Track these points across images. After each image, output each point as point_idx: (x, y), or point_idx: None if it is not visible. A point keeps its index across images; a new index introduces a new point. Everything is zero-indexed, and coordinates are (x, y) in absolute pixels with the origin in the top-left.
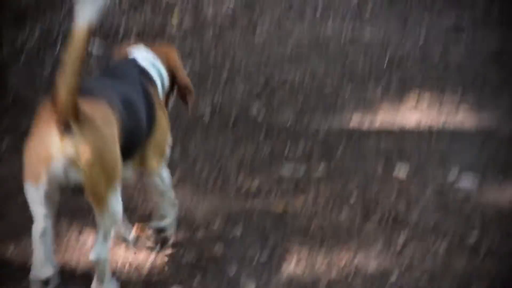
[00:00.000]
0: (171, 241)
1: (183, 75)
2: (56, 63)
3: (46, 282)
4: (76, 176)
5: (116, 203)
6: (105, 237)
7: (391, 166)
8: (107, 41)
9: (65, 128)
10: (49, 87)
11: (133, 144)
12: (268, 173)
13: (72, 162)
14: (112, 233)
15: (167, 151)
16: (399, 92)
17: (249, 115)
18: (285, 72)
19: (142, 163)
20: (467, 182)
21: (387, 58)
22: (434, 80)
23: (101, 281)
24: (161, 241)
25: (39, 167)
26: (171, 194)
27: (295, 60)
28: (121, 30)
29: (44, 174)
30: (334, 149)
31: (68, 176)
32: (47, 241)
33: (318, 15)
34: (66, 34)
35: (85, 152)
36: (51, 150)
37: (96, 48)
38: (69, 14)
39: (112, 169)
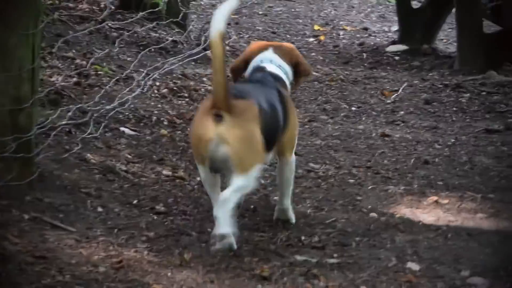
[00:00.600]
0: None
1: (305, 64)
2: (87, 143)
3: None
4: (224, 153)
5: (252, 177)
6: (235, 192)
7: (403, 260)
8: (139, 125)
9: (218, 117)
10: (77, 163)
11: (273, 137)
12: (282, 258)
13: (223, 140)
14: (240, 196)
15: (295, 143)
16: (421, 189)
17: (269, 202)
18: (312, 162)
19: (279, 153)
20: (478, 283)
21: (414, 156)
22: (458, 180)
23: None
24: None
25: (200, 148)
26: (292, 182)
27: (324, 151)
28: (154, 115)
29: (204, 153)
30: (350, 240)
31: (217, 153)
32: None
33: (352, 112)
34: (100, 115)
35: (232, 133)
36: (207, 133)
37: (127, 131)
38: (104, 97)
39: (255, 149)
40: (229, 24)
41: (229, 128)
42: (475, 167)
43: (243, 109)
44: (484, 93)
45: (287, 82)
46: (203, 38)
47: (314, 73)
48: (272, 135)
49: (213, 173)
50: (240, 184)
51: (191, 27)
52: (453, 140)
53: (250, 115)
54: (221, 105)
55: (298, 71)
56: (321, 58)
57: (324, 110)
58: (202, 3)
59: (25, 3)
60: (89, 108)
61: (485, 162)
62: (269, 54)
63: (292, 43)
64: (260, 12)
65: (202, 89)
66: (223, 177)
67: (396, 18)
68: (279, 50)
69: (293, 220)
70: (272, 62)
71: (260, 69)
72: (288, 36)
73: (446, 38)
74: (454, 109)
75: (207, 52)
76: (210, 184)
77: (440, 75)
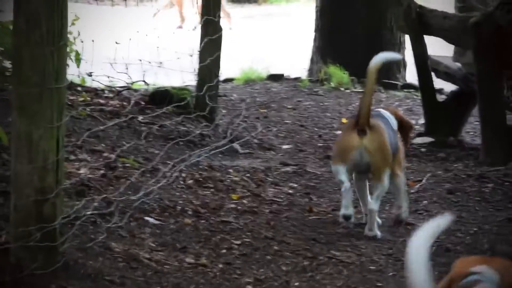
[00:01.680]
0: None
1: (407, 119)
2: (112, 232)
3: (349, 217)
4: (367, 159)
5: (386, 179)
6: (377, 198)
7: None
8: (164, 215)
9: (362, 132)
10: (102, 252)
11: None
12: None
13: (366, 150)
14: (380, 197)
15: (404, 165)
16: (441, 276)
17: None
18: (333, 248)
19: (392, 170)
20: None
21: (436, 244)
22: None
23: (370, 228)
24: (398, 223)
25: (346, 154)
26: (405, 191)
27: (346, 238)
28: (179, 205)
29: (348, 158)
30: None
31: (362, 158)
32: (348, 194)
33: None
34: (125, 205)
35: (372, 145)
36: (354, 144)
37: (152, 220)
38: (130, 188)
39: (387, 156)
40: (257, 118)
41: (371, 140)
42: (496, 255)
43: (378, 126)
44: (507, 183)
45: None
46: (229, 131)
47: None
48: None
49: (357, 174)
50: (379, 191)
51: (220, 121)
52: (475, 229)
53: (382, 131)
54: (365, 123)
55: (402, 125)
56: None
57: None
58: (232, 98)
59: (50, 97)
60: (114, 198)
61: (506, 250)
62: (386, 111)
63: (320, 136)
64: (289, 106)
65: (228, 180)
66: None
67: (422, 112)
68: (389, 109)
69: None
70: (387, 115)
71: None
72: (316, 129)
73: (473, 130)
74: (477, 199)
75: (233, 144)
76: (357, 186)
77: (464, 166)
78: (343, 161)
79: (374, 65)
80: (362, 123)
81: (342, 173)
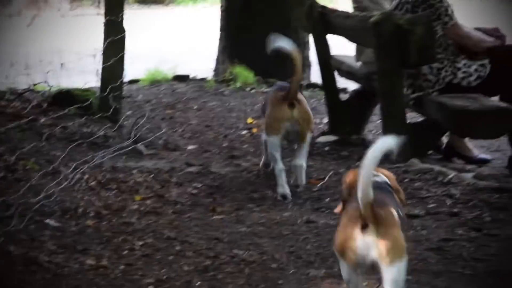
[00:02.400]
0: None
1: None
2: (11, 236)
3: (285, 196)
4: (297, 127)
5: (309, 139)
6: (304, 156)
7: None
8: (65, 217)
9: (292, 105)
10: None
11: None
12: None
13: (296, 120)
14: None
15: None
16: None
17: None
18: (236, 248)
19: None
20: None
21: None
22: None
23: (301, 182)
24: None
25: (279, 124)
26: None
27: (248, 237)
28: (81, 207)
29: (282, 128)
30: None
31: (293, 128)
32: (283, 174)
33: (279, 200)
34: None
35: (301, 115)
36: (286, 115)
37: (52, 223)
38: (30, 190)
39: (310, 122)
40: (163, 119)
41: (300, 112)
42: None
43: (302, 99)
44: (406, 180)
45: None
46: (133, 132)
47: (244, 164)
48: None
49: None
50: (305, 150)
51: (125, 122)
52: None
53: (306, 103)
54: (294, 97)
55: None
56: (252, 150)
57: (251, 199)
58: (137, 99)
59: None
60: (13, 201)
61: None
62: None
63: (225, 136)
64: (195, 107)
65: (131, 181)
66: None
67: (326, 110)
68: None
69: None
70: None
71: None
72: (221, 129)
73: (376, 128)
74: None
75: (137, 145)
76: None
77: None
78: (277, 132)
79: (295, 50)
80: (292, 98)
81: (276, 145)
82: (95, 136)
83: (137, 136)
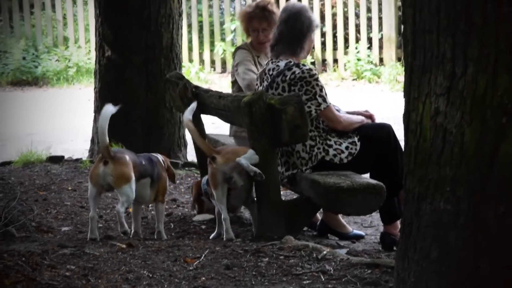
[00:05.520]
0: None
1: (170, 166)
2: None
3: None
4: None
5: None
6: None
7: None
8: None
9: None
10: None
11: None
12: None
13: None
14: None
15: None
16: None
17: None
18: None
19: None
20: None
21: None
22: None
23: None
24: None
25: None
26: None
27: None
28: None
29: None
30: None
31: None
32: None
33: (154, 280)
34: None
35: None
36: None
37: None
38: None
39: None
40: (36, 200)
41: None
42: None
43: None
44: (282, 257)
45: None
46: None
47: (119, 244)
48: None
49: None
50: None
51: None
52: None
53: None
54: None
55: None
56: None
57: (127, 279)
58: (9, 181)
59: None
60: None
61: None
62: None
63: (100, 216)
64: (70, 188)
65: (1, 265)
66: None
67: None
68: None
69: None
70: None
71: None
72: (99, 209)
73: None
74: (254, 273)
75: (8, 228)
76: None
77: (242, 241)
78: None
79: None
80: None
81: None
82: None
83: (8, 219)
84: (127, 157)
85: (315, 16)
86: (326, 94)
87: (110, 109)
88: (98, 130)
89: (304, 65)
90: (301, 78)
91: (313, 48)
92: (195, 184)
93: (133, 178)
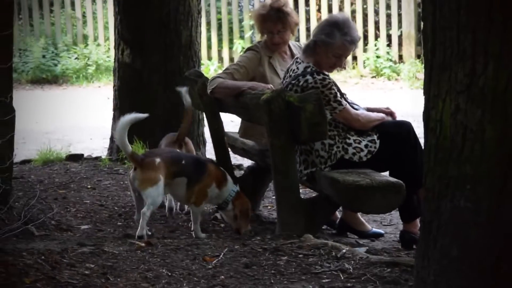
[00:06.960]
0: None
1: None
2: None
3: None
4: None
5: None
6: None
7: None
8: None
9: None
10: None
11: None
12: None
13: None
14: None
15: None
16: None
17: None
18: None
19: None
20: None
21: None
22: None
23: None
24: None
25: None
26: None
27: None
28: None
29: None
30: None
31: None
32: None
33: (173, 279)
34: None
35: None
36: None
37: None
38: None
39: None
40: (55, 198)
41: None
42: None
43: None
44: (300, 255)
45: None
46: (24, 214)
47: (138, 242)
48: None
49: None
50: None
51: (16, 203)
52: None
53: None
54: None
55: None
56: (148, 228)
57: (146, 278)
58: (29, 180)
59: None
60: None
61: None
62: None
63: (120, 214)
64: (89, 186)
65: (21, 263)
66: None
67: None
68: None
69: None
70: None
71: None
72: (116, 208)
73: (271, 204)
74: (273, 272)
75: (28, 226)
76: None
77: (261, 239)
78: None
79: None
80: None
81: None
82: None
83: (28, 217)
84: (157, 160)
85: (353, 32)
86: (341, 97)
87: (126, 119)
88: (117, 142)
89: (319, 73)
90: (313, 87)
91: None
92: None
93: (161, 181)
